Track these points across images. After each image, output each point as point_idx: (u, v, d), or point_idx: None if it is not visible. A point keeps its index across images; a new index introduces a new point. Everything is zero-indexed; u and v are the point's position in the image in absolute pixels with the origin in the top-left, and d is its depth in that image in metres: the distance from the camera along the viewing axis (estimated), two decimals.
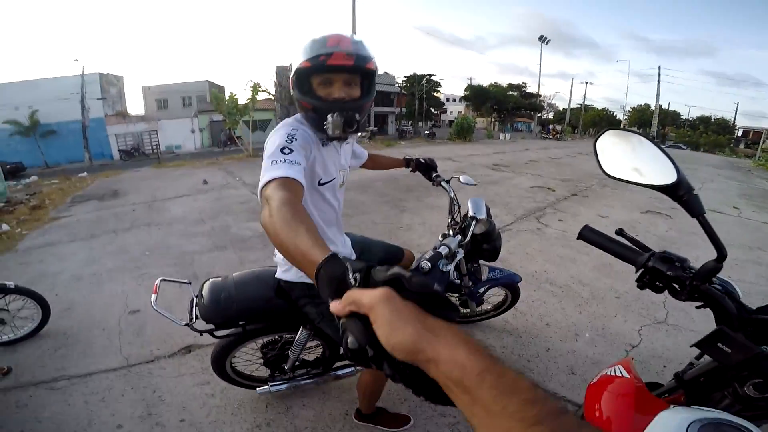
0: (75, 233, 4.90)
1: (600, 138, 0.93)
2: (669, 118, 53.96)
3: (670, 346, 2.35)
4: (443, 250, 1.44)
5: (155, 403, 1.95)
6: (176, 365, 2.21)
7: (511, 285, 2.22)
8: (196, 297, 1.54)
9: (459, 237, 1.59)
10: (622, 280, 3.16)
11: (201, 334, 1.48)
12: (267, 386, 1.78)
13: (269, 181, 0.88)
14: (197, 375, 2.12)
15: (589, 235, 0.95)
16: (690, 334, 2.44)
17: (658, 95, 40.32)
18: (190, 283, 1.71)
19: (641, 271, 0.85)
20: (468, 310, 2.30)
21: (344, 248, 1.53)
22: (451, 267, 1.61)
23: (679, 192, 0.76)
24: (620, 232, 0.97)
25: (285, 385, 1.78)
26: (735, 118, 54.81)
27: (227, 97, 16.57)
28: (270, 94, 14.57)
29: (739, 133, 52.12)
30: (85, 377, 2.15)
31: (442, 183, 1.88)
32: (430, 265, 1.36)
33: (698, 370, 0.85)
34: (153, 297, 1.50)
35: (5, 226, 5.28)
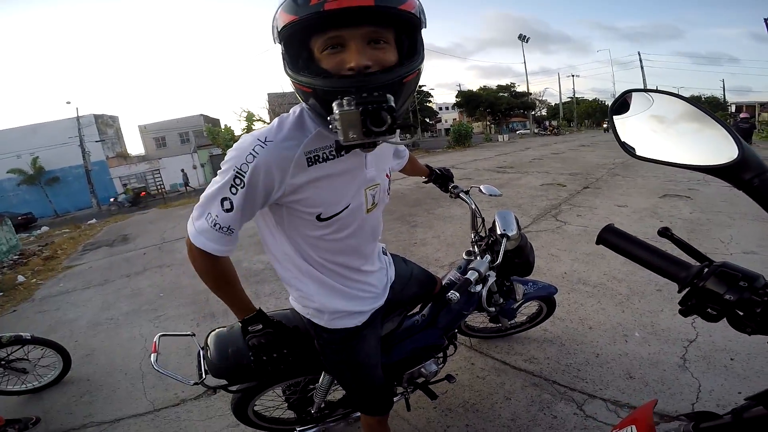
0: (89, 280, 4.86)
1: (616, 104, 0.67)
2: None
3: (731, 336, 2.13)
4: (472, 276, 1.25)
5: None
6: (203, 408, 2.10)
7: (546, 297, 2.06)
8: (202, 349, 1.36)
9: (488, 257, 1.39)
10: None
11: (215, 392, 1.36)
12: (295, 430, 1.66)
13: (191, 241, 0.88)
14: (226, 417, 2.00)
15: (612, 239, 0.66)
16: None
17: (644, 79, 40.46)
18: (194, 335, 1.56)
19: (687, 290, 0.58)
20: (500, 324, 2.13)
21: (374, 287, 1.14)
22: (484, 293, 1.40)
23: (746, 175, 0.53)
24: (664, 231, 0.65)
25: (314, 430, 1.66)
26: (725, 95, 54.44)
27: (222, 129, 16.76)
28: (264, 122, 14.72)
29: (732, 108, 51.86)
30: (113, 423, 2.11)
31: (461, 194, 1.70)
32: (458, 295, 1.15)
33: (761, 412, 0.57)
34: (153, 356, 1.32)
35: (21, 278, 5.29)
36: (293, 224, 0.92)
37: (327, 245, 0.96)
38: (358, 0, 0.64)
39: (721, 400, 1.74)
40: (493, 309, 1.60)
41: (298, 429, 1.66)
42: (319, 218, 0.89)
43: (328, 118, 0.68)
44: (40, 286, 4.94)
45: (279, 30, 0.71)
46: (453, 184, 1.74)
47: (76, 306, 3.95)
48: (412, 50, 0.75)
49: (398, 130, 0.74)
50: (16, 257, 7.09)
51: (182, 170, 18.61)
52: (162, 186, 22.21)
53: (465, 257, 1.61)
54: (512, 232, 1.44)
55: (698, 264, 0.59)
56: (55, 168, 24.23)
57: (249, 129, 17.15)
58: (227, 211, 0.81)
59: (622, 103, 0.66)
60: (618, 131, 0.66)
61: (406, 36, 0.75)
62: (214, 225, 0.82)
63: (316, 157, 0.83)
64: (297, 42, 0.73)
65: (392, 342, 1.48)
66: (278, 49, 0.77)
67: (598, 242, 0.68)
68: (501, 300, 1.68)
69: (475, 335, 2.31)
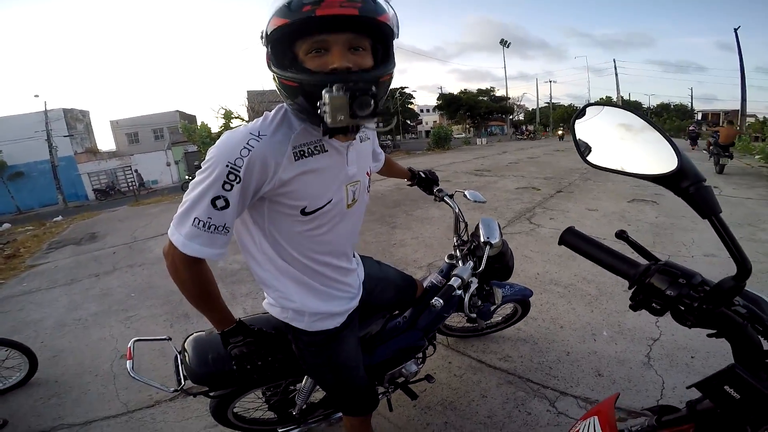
0: (54, 279, 4.66)
1: (578, 117, 0.72)
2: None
3: (691, 335, 2.24)
4: (455, 282, 1.26)
5: None
6: (179, 409, 2.06)
7: (521, 299, 2.12)
8: (180, 354, 1.34)
9: (471, 264, 1.41)
10: None
11: (194, 397, 1.34)
12: (276, 431, 1.66)
13: (180, 250, 0.84)
14: (203, 418, 1.97)
15: (572, 241, 0.73)
16: None
17: (618, 86, 41.96)
18: (170, 338, 1.53)
19: (635, 288, 0.65)
20: (476, 324, 2.20)
21: (350, 287, 1.15)
22: (466, 299, 1.43)
23: (683, 183, 0.58)
24: (620, 234, 0.71)
25: (295, 430, 1.66)
26: (692, 103, 56.94)
27: (199, 126, 16.38)
28: (243, 120, 14.48)
29: (699, 116, 54.14)
30: (85, 425, 2.04)
31: (445, 198, 1.72)
32: (442, 302, 1.17)
33: (710, 404, 0.65)
34: (129, 363, 1.28)
35: None
36: (274, 220, 0.93)
37: (307, 242, 0.97)
38: (345, 9, 0.71)
39: (683, 396, 1.79)
40: (473, 315, 1.63)
41: (279, 429, 1.65)
42: (303, 212, 0.91)
43: (318, 104, 0.74)
44: (1, 285, 4.70)
45: (269, 32, 0.77)
46: (438, 188, 1.76)
47: (41, 306, 3.78)
48: (385, 56, 0.84)
49: (375, 119, 0.81)
50: None
51: (136, 171, 18.17)
52: (133, 183, 21.55)
53: (447, 261, 1.65)
54: (495, 239, 1.47)
55: (646, 263, 0.65)
56: (19, 163, 23.14)
57: (227, 127, 16.78)
58: (222, 209, 0.80)
59: (583, 114, 0.72)
60: (577, 139, 0.72)
61: (381, 44, 0.84)
62: (208, 228, 0.81)
63: (302, 152, 0.87)
64: (284, 44, 0.79)
65: (375, 343, 1.50)
66: (262, 49, 0.82)
67: (560, 243, 0.74)
68: (480, 303, 1.70)
69: (452, 334, 2.36)
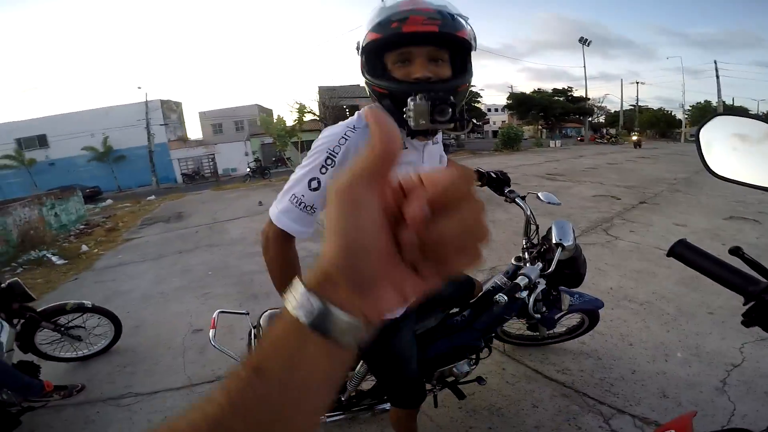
0: (145, 254, 5.21)
1: (706, 126, 0.71)
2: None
3: None
4: (522, 281, 1.25)
5: None
6: None
7: (590, 311, 2.00)
8: (255, 328, 1.45)
9: (539, 265, 1.38)
10: (715, 294, 2.79)
11: None
12: (323, 417, 1.71)
13: (274, 222, 0.92)
14: None
15: (684, 252, 0.70)
16: None
17: (719, 90, 37.11)
18: (248, 313, 1.65)
19: (752, 303, 0.62)
20: (537, 333, 2.08)
21: None
22: (531, 300, 1.40)
23: None
24: (736, 251, 0.68)
25: (342, 416, 1.70)
26: None
27: (275, 120, 17.23)
28: (315, 114, 15.02)
29: None
30: (150, 395, 2.21)
31: (517, 199, 1.65)
32: (506, 298, 1.18)
33: None
34: (212, 332, 1.42)
35: (85, 247, 5.74)
36: None
37: None
38: (426, 26, 0.83)
39: (753, 425, 1.62)
40: (537, 316, 1.57)
41: (326, 414, 1.71)
42: None
43: (404, 110, 0.85)
44: (101, 256, 5.34)
45: (363, 45, 0.91)
46: (509, 189, 1.70)
47: (132, 278, 4.23)
48: (463, 68, 0.94)
49: (457, 127, 0.92)
50: (83, 226, 7.71)
51: (212, 160, 20.31)
52: (215, 170, 23.28)
53: (514, 263, 1.60)
54: (569, 242, 1.43)
55: (767, 281, 0.62)
56: (122, 147, 26.11)
57: (300, 120, 17.56)
58: (314, 190, 0.88)
59: (711, 123, 0.71)
60: (702, 149, 0.71)
61: (459, 57, 0.94)
62: (299, 204, 0.88)
63: None
64: (376, 55, 0.92)
65: (430, 339, 1.50)
66: (340, 50, 1.01)
67: (668, 254, 0.73)
68: (545, 309, 1.63)
69: (511, 341, 2.28)
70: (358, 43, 0.93)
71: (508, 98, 44.86)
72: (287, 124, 17.87)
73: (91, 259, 5.21)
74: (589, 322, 2.10)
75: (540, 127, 44.16)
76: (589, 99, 44.17)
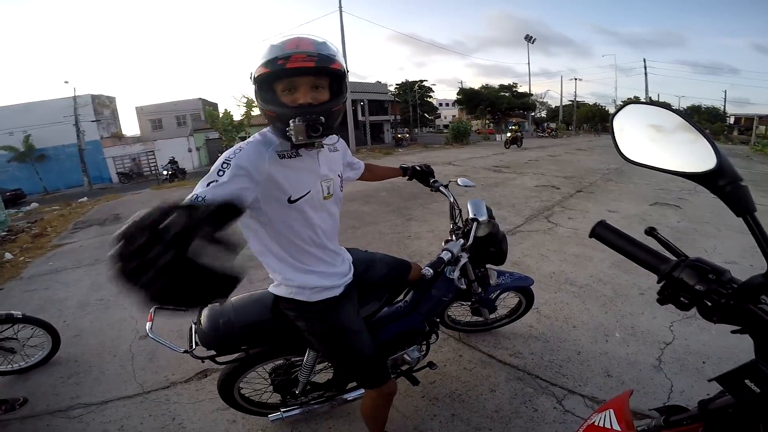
0: (79, 259, 4.83)
1: (619, 114, 0.76)
2: (670, 106, 53.78)
3: (705, 341, 2.27)
4: (445, 255, 1.38)
5: (176, 431, 1.87)
6: (193, 391, 2.13)
7: (524, 289, 2.15)
8: (195, 324, 1.46)
9: (461, 241, 1.54)
10: (644, 275, 3.02)
11: (203, 361, 1.43)
12: (279, 413, 1.70)
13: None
14: (216, 400, 2.01)
15: (604, 234, 0.75)
16: (725, 328, 2.35)
17: (647, 87, 40.73)
18: (187, 309, 1.61)
19: (664, 282, 0.66)
20: (481, 317, 2.21)
21: (341, 265, 1.37)
22: (456, 273, 1.58)
23: (720, 182, 0.60)
24: (650, 231, 0.75)
25: (298, 411, 1.70)
26: (725, 106, 54.86)
27: (222, 114, 16.59)
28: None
29: (731, 120, 52.14)
30: (101, 405, 2.09)
31: (441, 188, 1.82)
32: (431, 271, 1.28)
33: (727, 401, 0.66)
34: (148, 324, 1.42)
35: (8, 255, 5.21)
36: (271, 214, 1.15)
37: (299, 228, 1.20)
38: (305, 63, 1.00)
39: (690, 400, 1.80)
40: (472, 295, 1.80)
41: (282, 410, 1.69)
42: (289, 200, 1.15)
43: (286, 129, 1.03)
44: (28, 264, 4.87)
45: (255, 77, 1.05)
46: (433, 179, 1.86)
47: (66, 285, 3.91)
48: (338, 91, 1.12)
49: (328, 137, 1.16)
50: (4, 233, 7.01)
51: (172, 158, 18.36)
52: (156, 167, 22.01)
53: (444, 246, 1.69)
54: (482, 217, 1.62)
55: (675, 259, 0.66)
56: (48, 146, 23.91)
57: (248, 115, 17.00)
58: (209, 185, 0.97)
59: (623, 111, 0.76)
60: (616, 135, 0.76)
61: (335, 82, 1.11)
62: (195, 198, 0.93)
63: (284, 154, 1.14)
64: (266, 84, 1.07)
65: (377, 326, 1.56)
66: (252, 77, 1.08)
67: (591, 235, 0.77)
68: (480, 290, 1.83)
69: (460, 329, 2.37)
70: (251, 74, 1.07)
71: (458, 93, 45.98)
72: (234, 119, 17.23)
73: (17, 267, 4.74)
74: (526, 301, 2.25)
75: (487, 121, 45.71)
76: (532, 95, 46.30)
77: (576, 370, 2.11)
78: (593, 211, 5.31)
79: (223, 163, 1.02)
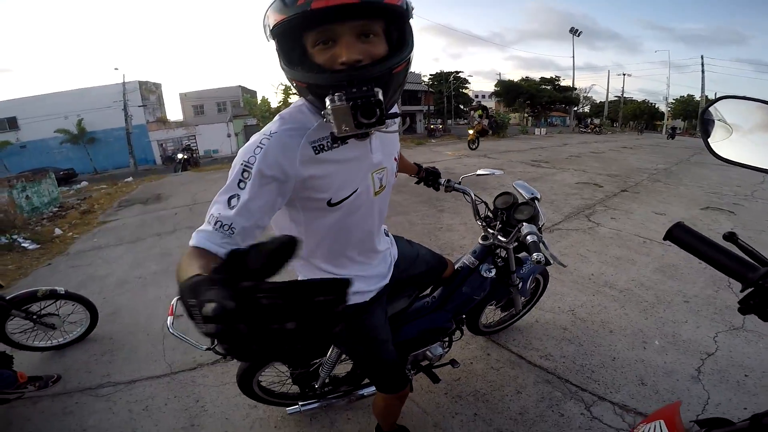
0: (122, 237, 5.06)
1: (711, 108, 0.69)
2: None
3: (750, 354, 2.11)
4: (534, 238, 1.22)
5: (198, 414, 1.89)
6: (219, 374, 2.16)
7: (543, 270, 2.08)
8: None
9: (542, 219, 1.44)
10: (690, 282, 2.87)
11: (225, 358, 1.36)
12: (297, 406, 1.68)
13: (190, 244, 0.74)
14: None
15: (682, 236, 0.69)
16: None
17: (703, 85, 37.86)
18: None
19: (750, 290, 0.60)
20: (512, 309, 2.12)
21: (380, 265, 1.18)
22: (492, 273, 1.53)
23: None
24: (730, 236, 0.69)
25: (316, 404, 1.68)
26: None
27: (260, 101, 16.92)
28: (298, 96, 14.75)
29: None
30: (129, 384, 2.15)
31: (456, 186, 1.70)
32: (543, 256, 1.16)
33: None
34: (169, 319, 1.32)
35: (58, 231, 5.54)
36: (310, 217, 0.93)
37: (338, 233, 0.98)
38: None
39: (726, 414, 1.70)
40: (511, 288, 1.74)
41: (300, 403, 1.68)
42: (329, 203, 0.90)
43: (322, 113, 0.72)
44: (75, 240, 5.15)
45: (270, 28, 0.73)
46: (446, 180, 1.74)
47: (108, 262, 4.09)
48: (401, 41, 0.77)
49: (398, 120, 0.80)
50: (56, 209, 7.45)
51: (188, 144, 17.92)
52: (197, 151, 22.82)
53: (481, 242, 1.63)
54: (539, 194, 1.53)
55: (765, 268, 0.60)
56: (98, 129, 25.34)
57: (285, 102, 17.22)
58: (232, 207, 0.75)
59: (717, 105, 0.70)
60: (708, 131, 0.70)
61: (395, 27, 0.77)
62: (215, 223, 0.74)
63: (321, 146, 0.84)
64: (289, 38, 0.75)
65: (401, 322, 1.49)
66: (272, 46, 0.79)
67: (665, 238, 0.72)
68: (518, 280, 1.75)
69: (492, 331, 2.28)
70: (266, 26, 0.75)
71: (496, 85, 44.83)
72: (272, 106, 17.53)
73: (65, 243, 5.02)
74: (543, 280, 2.16)
75: (526, 114, 44.38)
76: (576, 89, 44.46)
77: (609, 376, 2.00)
78: (638, 212, 5.00)
79: (243, 170, 0.77)
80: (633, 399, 1.84)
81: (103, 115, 25.10)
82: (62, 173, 18.42)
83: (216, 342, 1.00)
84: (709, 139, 0.69)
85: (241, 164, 0.78)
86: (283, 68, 0.78)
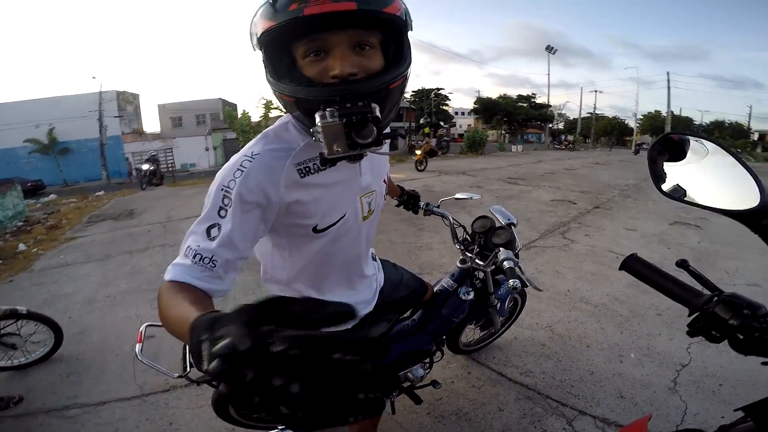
0: (90, 254, 4.87)
1: (656, 145, 0.73)
2: (682, 124, 52.54)
3: (723, 364, 2.18)
4: (511, 263, 1.21)
5: None
6: (193, 396, 2.08)
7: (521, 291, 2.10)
8: None
9: (509, 251, 1.39)
10: (661, 296, 2.92)
11: (198, 385, 1.27)
12: (278, 430, 1.63)
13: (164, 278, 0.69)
14: None
15: (635, 267, 0.73)
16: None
17: (669, 101, 39.70)
18: None
19: (696, 315, 0.66)
20: (491, 328, 2.14)
21: (364, 292, 1.13)
22: (471, 296, 1.55)
23: (765, 221, 0.59)
24: (682, 263, 0.72)
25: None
26: (749, 122, 53.45)
27: (240, 115, 16.79)
28: (282, 111, 14.67)
29: (755, 136, 50.92)
30: (97, 406, 2.05)
31: (434, 210, 1.73)
32: (519, 283, 1.13)
33: (746, 428, 0.65)
34: (138, 346, 1.24)
35: (22, 246, 5.30)
36: (294, 243, 0.88)
37: (324, 258, 0.93)
38: (339, 5, 0.60)
39: (704, 423, 1.77)
40: (489, 309, 1.74)
41: (280, 427, 1.63)
42: (315, 230, 0.85)
43: (311, 130, 0.65)
44: (40, 256, 4.93)
45: (258, 36, 0.67)
46: (425, 203, 1.77)
47: (74, 280, 3.93)
48: (398, 54, 0.72)
49: (385, 141, 0.70)
50: (21, 224, 7.14)
51: (153, 155, 14.73)
52: (173, 164, 22.33)
53: (459, 265, 1.64)
54: (515, 219, 1.57)
55: (709, 293, 0.66)
56: (71, 140, 24.52)
57: (266, 117, 17.15)
58: (213, 239, 0.69)
59: (661, 143, 0.74)
60: (652, 168, 0.74)
61: (393, 40, 0.72)
62: (194, 256, 0.69)
63: (308, 168, 0.79)
64: (278, 48, 0.69)
65: None
66: (258, 56, 0.73)
67: (621, 268, 0.76)
68: (496, 302, 1.77)
69: (470, 349, 2.28)
70: (252, 34, 0.69)
71: (475, 102, 45.78)
72: (252, 120, 17.42)
73: (29, 259, 4.80)
74: (521, 299, 2.18)
75: (503, 131, 45.40)
76: (551, 106, 45.91)
77: (588, 390, 2.03)
78: (610, 228, 5.16)
79: (223, 196, 0.71)
80: (613, 412, 1.87)
81: (77, 125, 24.25)
82: (30, 185, 17.68)
83: (189, 371, 0.93)
84: (654, 176, 0.73)
85: (221, 189, 0.72)
86: (269, 80, 0.71)
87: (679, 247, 4.35)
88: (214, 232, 0.70)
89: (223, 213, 0.70)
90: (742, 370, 2.09)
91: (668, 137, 0.73)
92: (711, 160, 0.67)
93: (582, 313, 2.81)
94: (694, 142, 0.69)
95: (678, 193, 0.71)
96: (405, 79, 0.72)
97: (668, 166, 0.72)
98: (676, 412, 1.86)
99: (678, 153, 0.71)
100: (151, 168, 13.46)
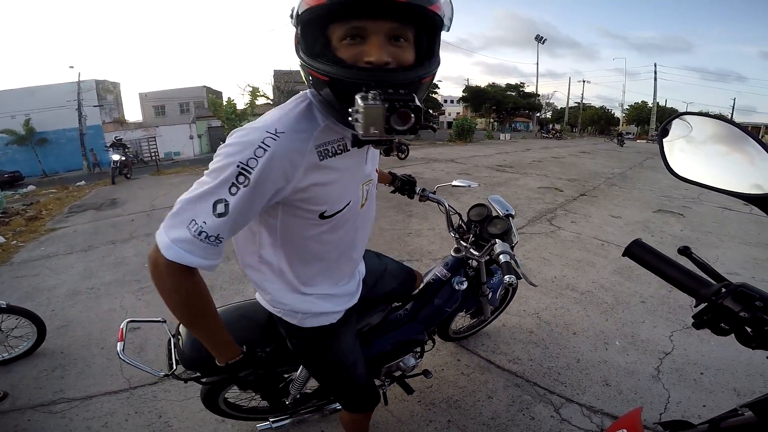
0: (72, 245, 4.76)
1: (668, 125, 0.69)
2: (667, 115, 53.26)
3: (704, 352, 2.24)
4: (507, 257, 1.19)
5: (162, 429, 1.80)
6: (182, 388, 2.04)
7: None
8: (174, 337, 1.26)
9: (506, 242, 1.37)
10: (646, 283, 3.02)
11: (185, 383, 1.25)
12: (268, 422, 1.62)
13: (163, 254, 0.70)
14: None
15: (639, 253, 0.69)
16: (726, 340, 2.30)
17: (655, 92, 40.49)
18: (165, 321, 1.39)
19: (703, 306, 0.61)
20: (479, 317, 2.18)
21: (349, 284, 1.10)
22: (464, 286, 1.54)
23: None
24: (684, 250, 0.69)
25: (288, 420, 1.62)
26: (732, 114, 54.37)
27: (225, 103, 16.48)
28: (268, 98, 14.42)
29: None
30: (85, 400, 2.01)
31: (431, 196, 1.72)
32: (515, 278, 1.12)
33: (739, 421, 0.64)
34: (119, 345, 1.20)
35: (1, 239, 5.13)
36: (287, 225, 0.85)
37: (317, 246, 0.91)
38: None
39: (686, 412, 1.81)
40: (481, 298, 1.73)
41: (271, 419, 1.62)
42: (322, 216, 0.84)
43: (350, 110, 0.64)
44: (20, 248, 4.79)
45: (300, 12, 0.68)
46: (421, 189, 1.75)
47: (57, 272, 3.83)
48: (429, 51, 0.74)
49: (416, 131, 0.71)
50: None
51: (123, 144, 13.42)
52: (156, 153, 21.88)
53: (453, 254, 1.64)
54: (513, 210, 1.54)
55: (717, 283, 0.62)
56: (49, 130, 23.83)
57: (252, 104, 16.84)
58: (220, 215, 0.68)
59: (674, 123, 0.69)
60: (665, 149, 0.70)
61: (427, 37, 0.73)
62: (199, 233, 0.68)
63: (326, 151, 0.78)
64: (316, 27, 0.70)
65: (374, 335, 1.47)
66: (292, 31, 0.74)
67: (624, 254, 0.71)
68: (488, 291, 1.76)
69: (460, 337, 2.30)
70: (293, 10, 0.71)
71: (464, 91, 45.66)
72: (237, 108, 17.10)
73: (8, 252, 4.65)
74: (512, 288, 2.21)
75: (492, 120, 45.47)
76: (539, 95, 46.02)
77: (574, 378, 2.06)
78: (596, 215, 5.23)
79: (239, 173, 0.68)
80: (599, 400, 1.91)
81: (56, 115, 23.57)
82: (7, 176, 17.24)
83: (175, 368, 1.03)
84: (666, 157, 0.69)
85: (237, 165, 0.68)
86: (301, 57, 0.71)
87: (662, 235, 4.43)
88: (220, 208, 0.68)
89: (234, 190, 0.69)
90: (723, 358, 2.15)
91: (681, 117, 0.68)
92: (725, 141, 0.64)
93: (568, 300, 2.86)
94: (709, 123, 0.65)
95: (691, 176, 0.67)
96: (433, 77, 0.75)
97: (681, 148, 0.68)
98: (659, 400, 1.90)
99: (692, 134, 0.68)
100: (121, 158, 11.31)
